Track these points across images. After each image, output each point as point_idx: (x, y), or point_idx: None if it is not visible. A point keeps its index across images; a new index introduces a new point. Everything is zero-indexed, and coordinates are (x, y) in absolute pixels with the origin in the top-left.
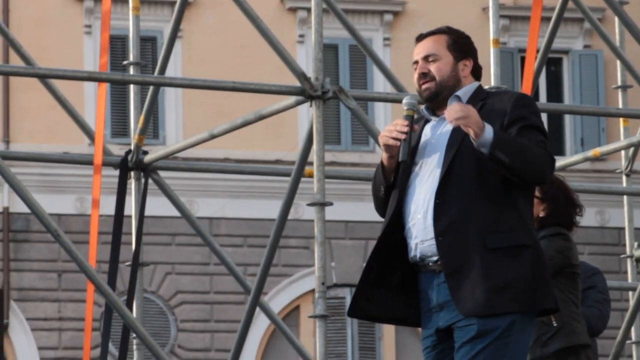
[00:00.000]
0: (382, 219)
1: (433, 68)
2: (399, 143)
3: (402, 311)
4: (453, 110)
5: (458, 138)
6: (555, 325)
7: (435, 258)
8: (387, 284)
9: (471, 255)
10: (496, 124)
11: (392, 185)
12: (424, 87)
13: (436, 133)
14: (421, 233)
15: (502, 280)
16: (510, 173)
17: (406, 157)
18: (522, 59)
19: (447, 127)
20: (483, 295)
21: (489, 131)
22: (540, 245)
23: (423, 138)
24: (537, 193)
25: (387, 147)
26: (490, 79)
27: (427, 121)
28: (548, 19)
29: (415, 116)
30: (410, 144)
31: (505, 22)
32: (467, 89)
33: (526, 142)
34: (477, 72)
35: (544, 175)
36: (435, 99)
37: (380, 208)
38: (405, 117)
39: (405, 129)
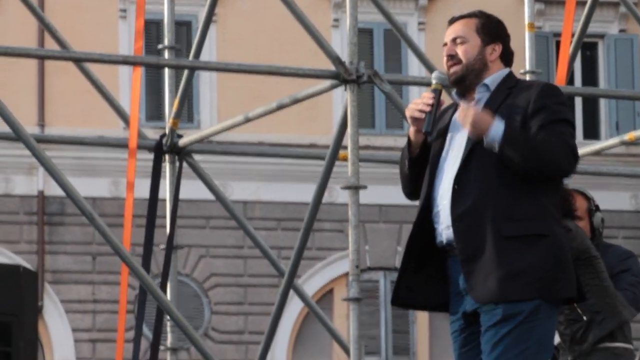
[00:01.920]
0: (415, 203)
1: (460, 50)
2: (424, 115)
3: (442, 297)
4: (461, 115)
5: None
6: (585, 319)
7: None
8: (426, 270)
9: (486, 242)
10: (519, 114)
11: (417, 159)
12: (451, 70)
13: None
14: (446, 218)
15: (515, 267)
16: (524, 168)
17: (430, 128)
18: (557, 44)
19: None
20: (496, 282)
21: (498, 129)
22: (560, 235)
23: (452, 122)
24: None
25: (414, 120)
26: (525, 64)
27: (457, 106)
28: (583, 3)
29: (442, 90)
30: (435, 116)
31: (540, 7)
32: (495, 76)
33: (541, 137)
34: (507, 58)
35: (560, 168)
36: (462, 83)
37: (406, 186)
38: (432, 91)
39: (431, 101)
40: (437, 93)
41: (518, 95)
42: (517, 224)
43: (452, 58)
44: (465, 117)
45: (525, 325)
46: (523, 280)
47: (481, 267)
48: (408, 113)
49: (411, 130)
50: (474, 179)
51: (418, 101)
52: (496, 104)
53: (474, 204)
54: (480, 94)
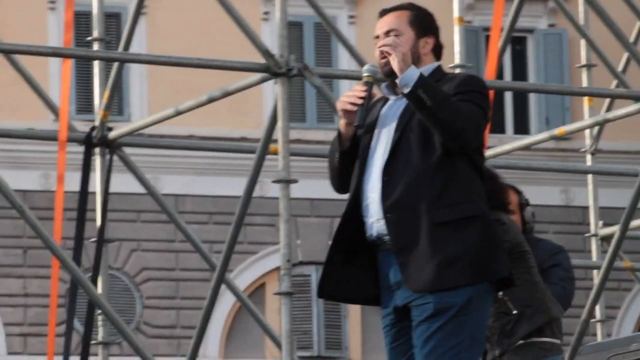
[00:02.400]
0: (346, 197)
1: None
2: (356, 108)
3: (371, 290)
4: (388, 39)
5: (406, 115)
6: (515, 312)
7: (389, 237)
8: (355, 264)
9: (419, 232)
10: None
11: (347, 152)
12: (383, 61)
13: (392, 111)
14: (376, 212)
15: (450, 254)
16: (430, 121)
17: (362, 122)
18: (487, 38)
19: (400, 107)
20: (432, 270)
21: (414, 71)
22: (489, 215)
23: (381, 116)
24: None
25: (345, 113)
26: (455, 58)
27: (387, 100)
28: None
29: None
30: (367, 109)
31: (470, 1)
32: (425, 69)
33: (454, 100)
34: (438, 51)
35: (464, 132)
36: (394, 75)
37: (334, 178)
38: (364, 84)
39: (363, 94)
40: (369, 86)
41: (443, 87)
42: (447, 209)
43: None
44: (395, 47)
45: (457, 319)
46: (459, 265)
47: (416, 256)
48: (339, 106)
49: (342, 122)
50: (401, 170)
51: (350, 94)
52: None
53: (403, 194)
54: None
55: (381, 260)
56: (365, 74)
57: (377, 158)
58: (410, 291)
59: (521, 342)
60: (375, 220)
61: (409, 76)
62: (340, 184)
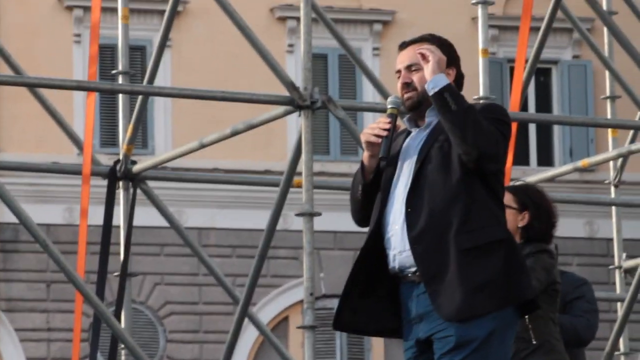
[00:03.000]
0: (361, 228)
1: (415, 78)
2: (380, 140)
3: (391, 323)
4: (425, 48)
5: (427, 146)
6: (534, 342)
7: (414, 269)
8: (375, 295)
9: (446, 259)
10: None
11: (370, 185)
12: (406, 96)
13: (414, 143)
14: (399, 244)
15: (478, 280)
16: (451, 125)
17: (386, 154)
18: (511, 69)
19: (423, 139)
20: (461, 297)
21: (445, 78)
22: (512, 237)
23: (403, 149)
24: (513, 204)
25: (369, 145)
26: (479, 89)
27: (409, 133)
28: (537, 29)
29: (399, 115)
30: (391, 141)
31: (494, 32)
32: None
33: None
34: (459, 81)
35: (482, 145)
36: (418, 109)
37: (356, 212)
38: (388, 115)
39: (388, 126)
40: (393, 118)
41: None
42: (471, 234)
43: (408, 86)
44: (434, 52)
45: (479, 353)
46: (487, 291)
47: (446, 285)
48: (363, 138)
49: (365, 155)
50: (424, 200)
51: (374, 126)
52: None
53: (428, 224)
54: (431, 118)
55: (403, 292)
56: (389, 106)
57: (399, 190)
58: (432, 323)
59: None
60: (397, 253)
61: (439, 79)
62: (362, 216)
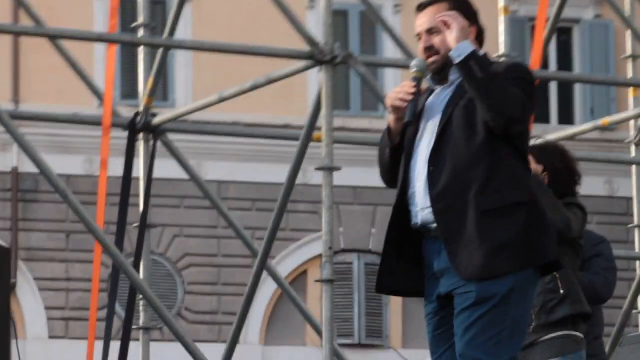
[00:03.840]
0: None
1: (437, 41)
2: (405, 104)
3: (420, 283)
4: (445, 14)
5: (452, 104)
6: (562, 292)
7: (435, 225)
8: (405, 255)
9: (466, 219)
10: None
11: (397, 147)
12: (429, 60)
13: (437, 101)
14: (421, 200)
15: (498, 241)
16: (477, 93)
17: (412, 117)
18: (532, 28)
19: (447, 96)
20: (480, 258)
21: (469, 45)
22: (536, 200)
23: (426, 106)
24: (532, 164)
25: (394, 109)
26: (500, 47)
27: (432, 91)
28: None
29: (423, 77)
30: (417, 105)
31: None
32: None
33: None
34: (480, 36)
35: (509, 110)
36: (443, 71)
37: (385, 173)
38: (412, 79)
39: (412, 90)
40: (417, 81)
41: None
42: (493, 196)
43: (430, 49)
44: (454, 18)
45: (499, 308)
46: (507, 252)
47: (464, 244)
48: (389, 102)
49: (391, 118)
50: (447, 159)
51: (398, 89)
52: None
53: (449, 183)
54: (454, 76)
55: (426, 248)
56: (413, 69)
57: (422, 148)
58: (453, 279)
59: (559, 324)
60: (420, 209)
61: (463, 47)
62: (390, 177)
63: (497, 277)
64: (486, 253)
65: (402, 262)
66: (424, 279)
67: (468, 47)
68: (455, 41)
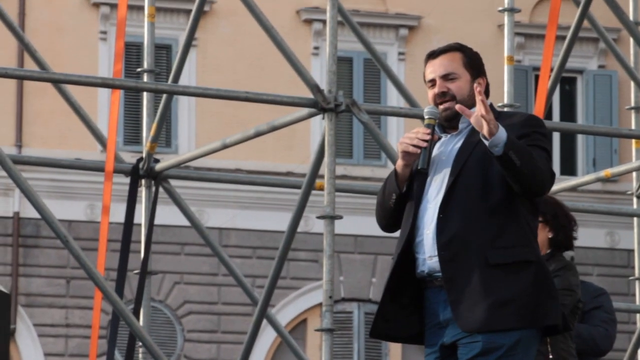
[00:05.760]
0: (391, 235)
1: (453, 87)
2: (419, 151)
3: (416, 329)
4: (481, 108)
5: (465, 154)
6: (551, 357)
7: (440, 274)
8: (401, 302)
9: (473, 271)
10: None
11: (403, 195)
12: (443, 106)
13: (447, 149)
14: (429, 249)
15: (503, 296)
16: (515, 178)
17: (425, 165)
18: (537, 77)
19: (457, 144)
20: (483, 311)
21: (502, 132)
22: (544, 261)
23: (435, 155)
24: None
25: (406, 155)
26: (504, 97)
27: (438, 138)
28: (563, 37)
29: (436, 125)
30: (430, 153)
31: (520, 40)
32: None
33: (533, 152)
34: (487, 89)
35: (544, 187)
36: (454, 119)
37: (385, 218)
38: (426, 126)
39: (427, 137)
40: (432, 128)
41: (503, 123)
42: (502, 251)
43: (445, 95)
44: (487, 112)
45: (504, 359)
46: (511, 308)
47: (468, 296)
48: (401, 147)
49: (400, 163)
50: (458, 208)
51: (412, 136)
52: (478, 134)
53: (459, 232)
54: (464, 125)
55: (431, 297)
56: (427, 117)
57: (431, 196)
58: (459, 329)
59: None
60: (427, 257)
61: (499, 138)
62: (389, 223)
63: (498, 331)
64: (490, 307)
65: (397, 308)
66: (421, 326)
67: (502, 136)
68: (489, 134)
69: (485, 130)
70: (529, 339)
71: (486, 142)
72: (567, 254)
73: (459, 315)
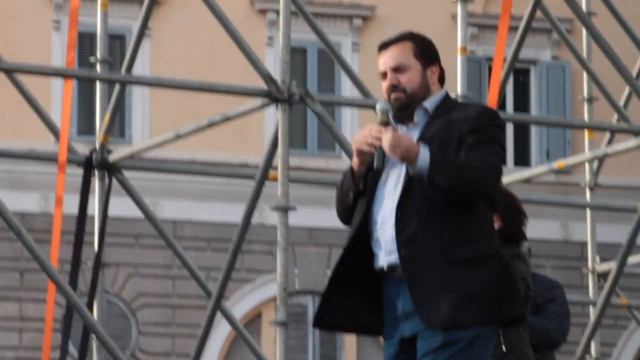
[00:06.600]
0: (346, 227)
1: (403, 79)
2: (373, 149)
3: (367, 320)
4: (386, 140)
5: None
6: (504, 350)
7: (400, 268)
8: (351, 293)
9: (434, 268)
10: (455, 133)
11: (361, 192)
12: (394, 97)
13: None
14: (388, 244)
15: (466, 292)
16: (450, 192)
17: (381, 164)
18: (490, 68)
19: (413, 138)
20: (448, 308)
21: (424, 158)
22: (503, 254)
23: None
24: None
25: (360, 154)
26: (457, 87)
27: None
28: (516, 28)
29: (389, 121)
30: (384, 151)
31: (474, 31)
32: (434, 99)
33: (465, 160)
34: (442, 77)
35: (483, 187)
36: (407, 110)
37: (344, 214)
38: (379, 123)
39: (380, 135)
40: (385, 125)
41: (457, 116)
42: (462, 247)
43: (396, 88)
44: (394, 147)
45: (463, 353)
46: (475, 304)
47: (430, 292)
48: (355, 145)
49: (355, 161)
50: (416, 205)
51: (366, 134)
52: (434, 127)
53: (418, 230)
54: (419, 117)
55: (389, 290)
56: (379, 113)
57: (388, 191)
58: (418, 321)
59: None
60: (387, 253)
61: (421, 166)
62: (350, 218)
63: (461, 327)
64: (453, 303)
65: (347, 299)
66: (371, 318)
67: (423, 163)
68: (406, 162)
69: (400, 161)
70: (489, 332)
71: (410, 171)
72: (524, 246)
73: (421, 312)
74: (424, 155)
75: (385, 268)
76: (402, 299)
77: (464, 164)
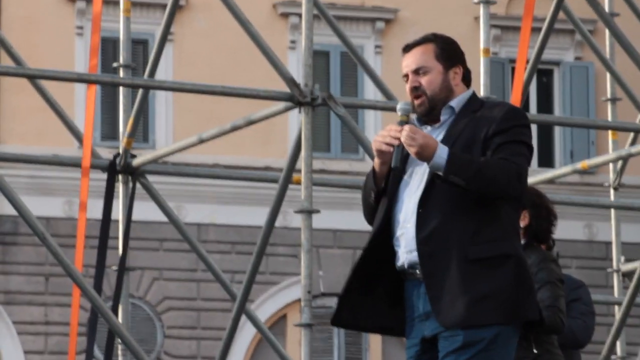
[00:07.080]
0: (369, 229)
1: (424, 81)
2: (392, 149)
3: (389, 321)
4: (403, 136)
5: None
6: (535, 352)
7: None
8: (373, 293)
9: (452, 266)
10: (481, 133)
11: (382, 192)
12: (417, 102)
13: None
14: (409, 242)
15: (482, 291)
16: (469, 190)
17: (398, 163)
18: (513, 69)
19: (439, 137)
20: (463, 306)
21: (441, 155)
22: (523, 255)
23: None
24: None
25: (380, 153)
26: (480, 89)
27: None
28: (539, 29)
29: (409, 122)
30: (404, 150)
31: (496, 32)
32: (460, 99)
33: (486, 160)
34: (467, 77)
35: (502, 188)
36: (431, 114)
37: (369, 215)
38: (399, 123)
39: (399, 135)
40: (404, 125)
41: (483, 115)
42: (481, 246)
43: (417, 90)
44: (411, 143)
45: (484, 353)
46: (491, 303)
47: (447, 291)
48: (375, 145)
49: (376, 162)
50: (438, 203)
51: (385, 134)
52: (459, 126)
53: (438, 227)
54: (445, 116)
55: (410, 290)
56: (399, 113)
57: (411, 189)
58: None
59: None
60: (407, 251)
61: (437, 164)
62: (374, 218)
63: (478, 326)
64: (469, 302)
65: (368, 298)
66: (396, 318)
67: (440, 160)
68: (423, 159)
69: (418, 158)
70: (509, 332)
71: (429, 167)
72: (553, 251)
73: (439, 311)
74: (441, 152)
75: (405, 266)
76: (423, 299)
77: (484, 164)
